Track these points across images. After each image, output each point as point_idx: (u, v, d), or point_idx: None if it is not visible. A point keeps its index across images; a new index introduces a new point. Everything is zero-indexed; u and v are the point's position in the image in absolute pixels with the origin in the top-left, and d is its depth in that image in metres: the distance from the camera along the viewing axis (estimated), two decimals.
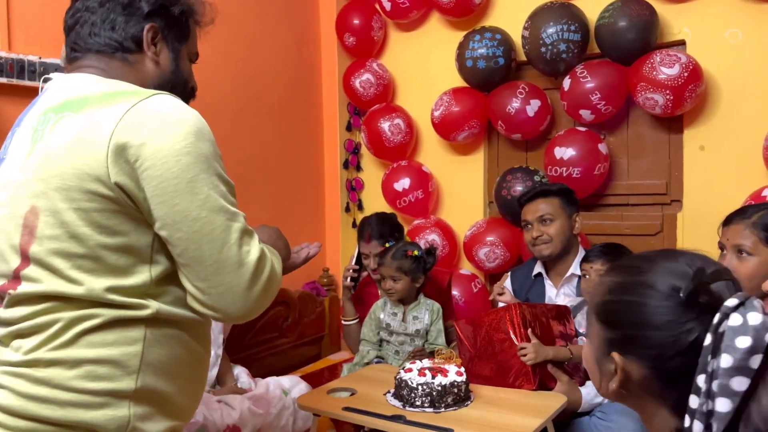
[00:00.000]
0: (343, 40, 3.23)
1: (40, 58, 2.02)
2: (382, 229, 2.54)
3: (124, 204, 0.96)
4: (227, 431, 1.88)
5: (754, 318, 0.67)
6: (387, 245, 2.40)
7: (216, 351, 2.20)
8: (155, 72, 1.14)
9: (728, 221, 1.58)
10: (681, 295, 0.73)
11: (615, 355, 0.79)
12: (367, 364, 2.31)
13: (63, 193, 0.95)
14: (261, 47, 3.00)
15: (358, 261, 2.62)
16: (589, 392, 1.93)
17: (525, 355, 1.86)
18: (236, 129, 2.85)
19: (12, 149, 1.06)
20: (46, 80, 1.62)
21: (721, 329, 0.68)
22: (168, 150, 0.95)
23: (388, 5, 3.09)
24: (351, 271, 2.59)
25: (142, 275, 1.00)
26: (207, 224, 0.97)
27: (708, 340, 0.69)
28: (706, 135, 2.54)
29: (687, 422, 0.69)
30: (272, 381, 2.18)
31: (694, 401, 0.69)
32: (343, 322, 2.67)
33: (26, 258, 0.98)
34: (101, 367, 0.96)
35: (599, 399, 1.93)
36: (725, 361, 0.67)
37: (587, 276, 2.04)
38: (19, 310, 0.99)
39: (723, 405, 0.67)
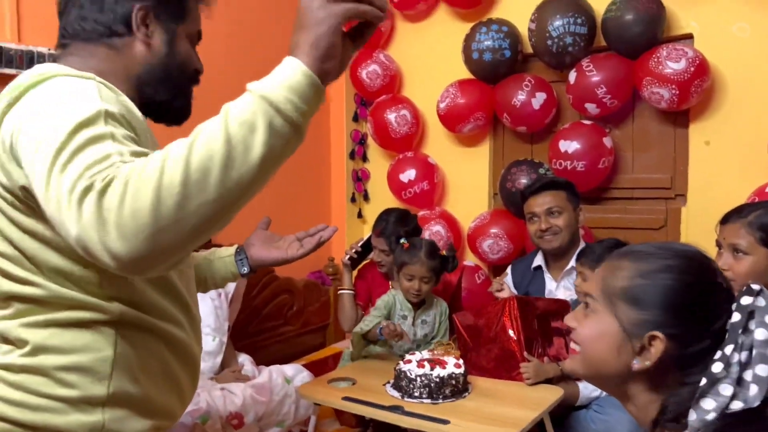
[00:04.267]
0: None
1: (49, 49, 2.05)
2: (395, 230, 2.47)
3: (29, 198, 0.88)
4: (230, 418, 1.92)
5: None
6: (402, 241, 2.31)
7: (221, 338, 2.24)
8: (145, 55, 1.06)
9: (725, 220, 1.59)
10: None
11: (658, 335, 0.84)
12: (369, 332, 2.19)
13: None
14: (267, 36, 3.01)
15: (366, 246, 2.61)
16: (586, 386, 1.95)
17: (525, 375, 1.87)
18: None
19: None
20: None
21: (749, 309, 0.81)
22: (41, 124, 0.83)
23: None
24: (353, 251, 2.55)
25: (88, 269, 0.94)
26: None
27: (736, 317, 0.81)
28: (712, 130, 2.53)
29: (710, 387, 0.79)
30: (275, 369, 2.22)
31: (718, 367, 0.79)
32: (338, 290, 2.66)
33: None
34: (71, 375, 0.94)
35: (597, 393, 1.95)
36: (760, 334, 0.79)
37: (585, 279, 2.02)
38: None
39: (763, 370, 0.78)
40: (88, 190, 0.71)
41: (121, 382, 0.97)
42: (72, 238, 0.73)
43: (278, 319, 2.97)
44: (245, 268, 1.35)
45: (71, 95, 0.86)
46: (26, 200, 0.89)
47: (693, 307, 0.85)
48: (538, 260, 2.36)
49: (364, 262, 2.68)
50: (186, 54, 1.12)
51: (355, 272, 2.66)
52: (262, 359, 2.47)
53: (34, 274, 0.94)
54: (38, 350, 0.94)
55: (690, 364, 0.84)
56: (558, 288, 2.27)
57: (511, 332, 1.93)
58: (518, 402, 1.75)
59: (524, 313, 1.94)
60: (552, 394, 1.81)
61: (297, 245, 1.35)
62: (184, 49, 1.11)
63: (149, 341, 1.02)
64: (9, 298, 0.96)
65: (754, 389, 0.78)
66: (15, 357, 0.95)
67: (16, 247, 0.94)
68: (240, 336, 2.62)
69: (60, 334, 0.94)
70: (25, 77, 0.93)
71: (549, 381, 1.90)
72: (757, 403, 0.78)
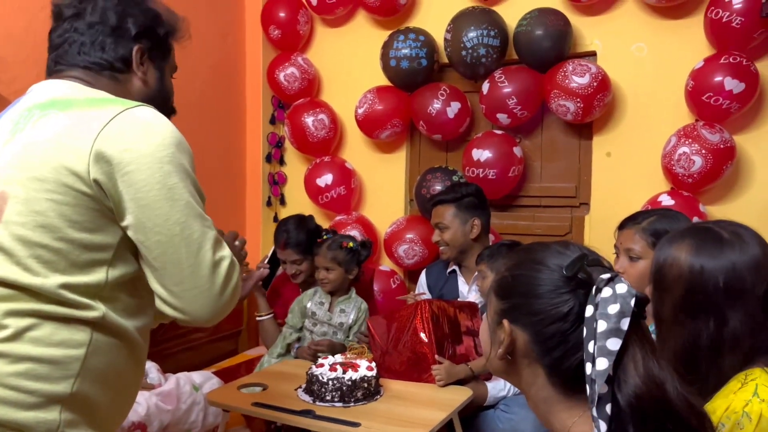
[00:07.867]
0: (268, 33, 3.19)
1: None
2: (298, 236, 2.50)
3: (99, 201, 0.98)
4: (132, 428, 1.83)
5: (621, 288, 0.79)
6: (321, 240, 2.39)
7: None
8: (142, 90, 1.18)
9: (622, 226, 1.68)
10: (564, 271, 0.83)
11: (505, 323, 0.88)
12: (288, 345, 2.38)
13: (38, 183, 0.96)
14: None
15: (272, 260, 2.57)
16: (494, 387, 2.01)
17: (437, 377, 1.91)
18: None
19: None
20: None
21: (596, 301, 0.79)
22: (151, 157, 0.98)
23: (314, 0, 3.09)
24: (262, 269, 2.51)
25: (98, 275, 1.00)
26: (186, 228, 1.01)
27: (590, 311, 0.79)
28: (613, 142, 2.68)
29: (588, 391, 0.78)
30: (183, 376, 2.14)
31: (588, 368, 0.78)
32: (257, 317, 2.62)
33: None
34: (41, 367, 0.95)
35: (503, 393, 2.02)
36: (601, 326, 0.78)
37: (485, 277, 2.10)
38: None
39: (601, 363, 0.77)
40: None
41: (84, 385, 0.99)
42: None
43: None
44: None
45: None
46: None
47: (516, 293, 0.91)
48: (453, 264, 2.42)
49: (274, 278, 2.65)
50: (170, 89, 1.28)
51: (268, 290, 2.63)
52: (171, 367, 2.38)
53: (45, 268, 0.96)
54: (16, 337, 0.95)
55: (547, 349, 0.86)
56: (470, 291, 2.34)
57: (422, 335, 1.95)
58: (429, 403, 1.78)
59: (435, 316, 1.97)
60: (461, 395, 1.85)
61: None
62: (169, 85, 1.27)
63: (117, 348, 1.04)
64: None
65: (596, 385, 0.77)
66: None
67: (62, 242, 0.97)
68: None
69: (40, 326, 0.96)
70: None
71: (460, 382, 1.94)
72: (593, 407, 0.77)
